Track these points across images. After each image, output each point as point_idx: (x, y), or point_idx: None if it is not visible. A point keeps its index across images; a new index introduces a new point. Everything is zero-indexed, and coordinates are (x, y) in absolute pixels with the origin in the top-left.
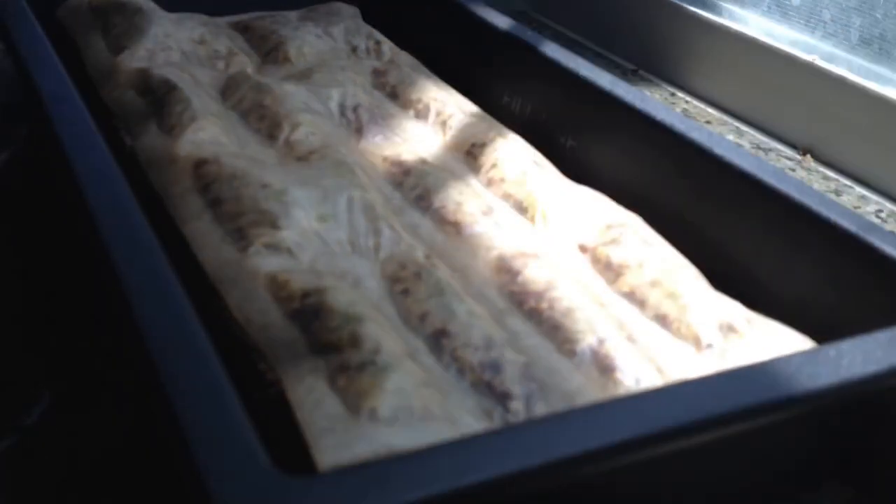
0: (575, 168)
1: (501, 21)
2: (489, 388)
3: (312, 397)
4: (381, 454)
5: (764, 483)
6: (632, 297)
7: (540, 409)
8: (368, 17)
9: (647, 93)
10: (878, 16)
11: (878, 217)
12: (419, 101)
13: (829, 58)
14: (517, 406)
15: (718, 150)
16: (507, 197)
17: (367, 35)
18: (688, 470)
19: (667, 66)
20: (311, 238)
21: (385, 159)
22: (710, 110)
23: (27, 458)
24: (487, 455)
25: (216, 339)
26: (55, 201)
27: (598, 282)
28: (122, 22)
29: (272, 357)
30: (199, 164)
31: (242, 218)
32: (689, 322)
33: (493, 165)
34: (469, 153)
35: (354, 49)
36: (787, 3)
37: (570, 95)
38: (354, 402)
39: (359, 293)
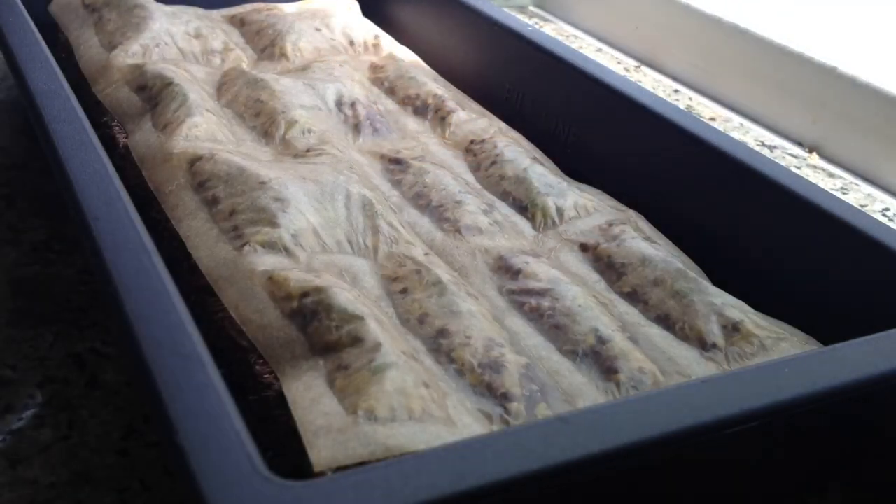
0: (576, 165)
1: (502, 15)
2: (489, 389)
3: (310, 396)
4: (378, 455)
5: (768, 484)
6: (634, 296)
7: (541, 411)
8: (367, 11)
9: (650, 88)
10: None
11: (885, 216)
12: (417, 96)
13: None
14: (517, 408)
15: (723, 146)
16: (506, 195)
17: (365, 29)
18: (692, 472)
19: (670, 61)
20: (308, 236)
21: (383, 156)
22: (715, 106)
23: (23, 459)
24: (486, 459)
25: (212, 339)
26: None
27: (599, 281)
28: (116, 17)
29: (270, 358)
30: (194, 162)
31: (238, 216)
32: (692, 322)
33: (493, 162)
34: (468, 150)
35: (352, 43)
36: None
37: (572, 91)
38: (352, 402)
39: (357, 292)
